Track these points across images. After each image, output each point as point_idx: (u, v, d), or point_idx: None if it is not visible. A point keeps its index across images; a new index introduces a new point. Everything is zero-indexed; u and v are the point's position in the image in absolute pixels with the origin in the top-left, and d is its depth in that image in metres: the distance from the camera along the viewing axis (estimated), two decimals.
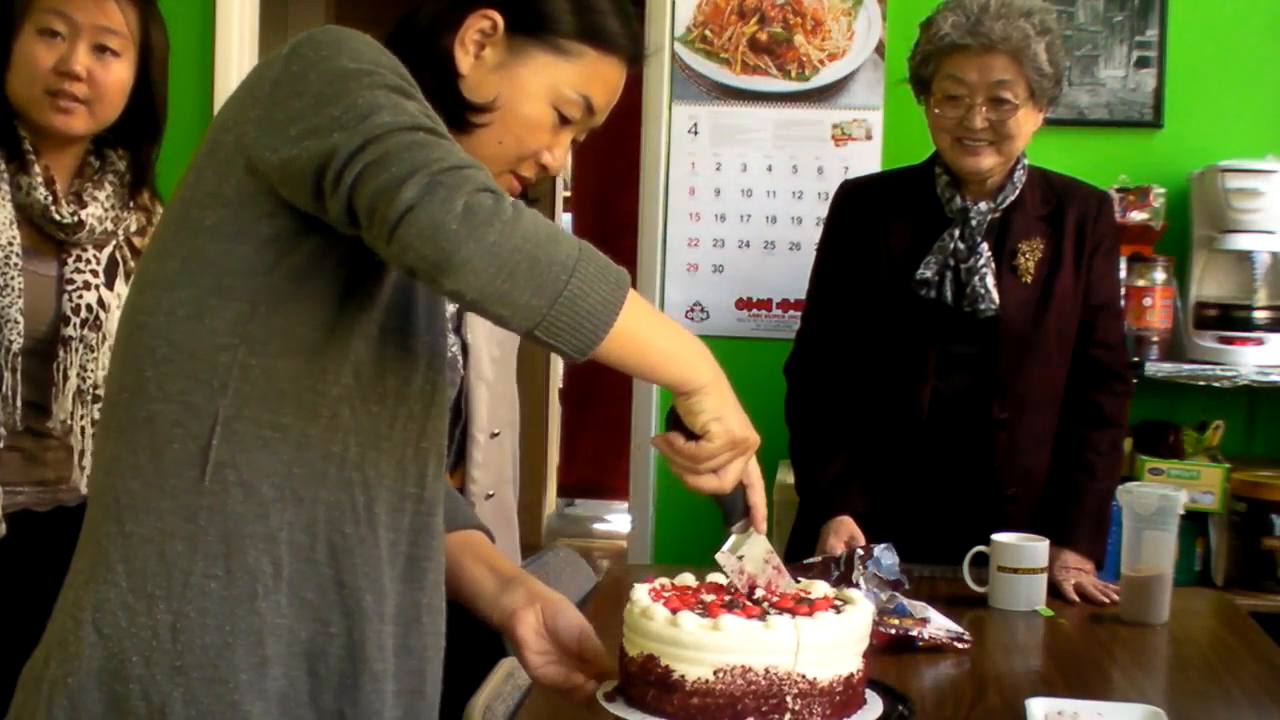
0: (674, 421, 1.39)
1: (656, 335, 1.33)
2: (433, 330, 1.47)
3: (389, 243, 1.24)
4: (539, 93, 1.48)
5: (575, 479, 6.79)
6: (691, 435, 1.37)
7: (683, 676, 1.39)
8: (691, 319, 3.64)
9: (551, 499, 6.64)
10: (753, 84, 3.60)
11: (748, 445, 1.39)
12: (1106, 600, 2.33)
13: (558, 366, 6.55)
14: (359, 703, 1.41)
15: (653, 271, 3.65)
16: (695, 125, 3.62)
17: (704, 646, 1.39)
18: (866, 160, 3.53)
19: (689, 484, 1.40)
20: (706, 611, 1.43)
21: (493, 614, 1.58)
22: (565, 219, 6.65)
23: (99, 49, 2.09)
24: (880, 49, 3.56)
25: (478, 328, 2.24)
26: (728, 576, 1.49)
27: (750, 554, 1.49)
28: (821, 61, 3.58)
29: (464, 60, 1.48)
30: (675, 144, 3.63)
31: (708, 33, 3.60)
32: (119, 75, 2.12)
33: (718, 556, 1.49)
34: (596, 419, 6.52)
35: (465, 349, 2.24)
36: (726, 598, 1.50)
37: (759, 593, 1.49)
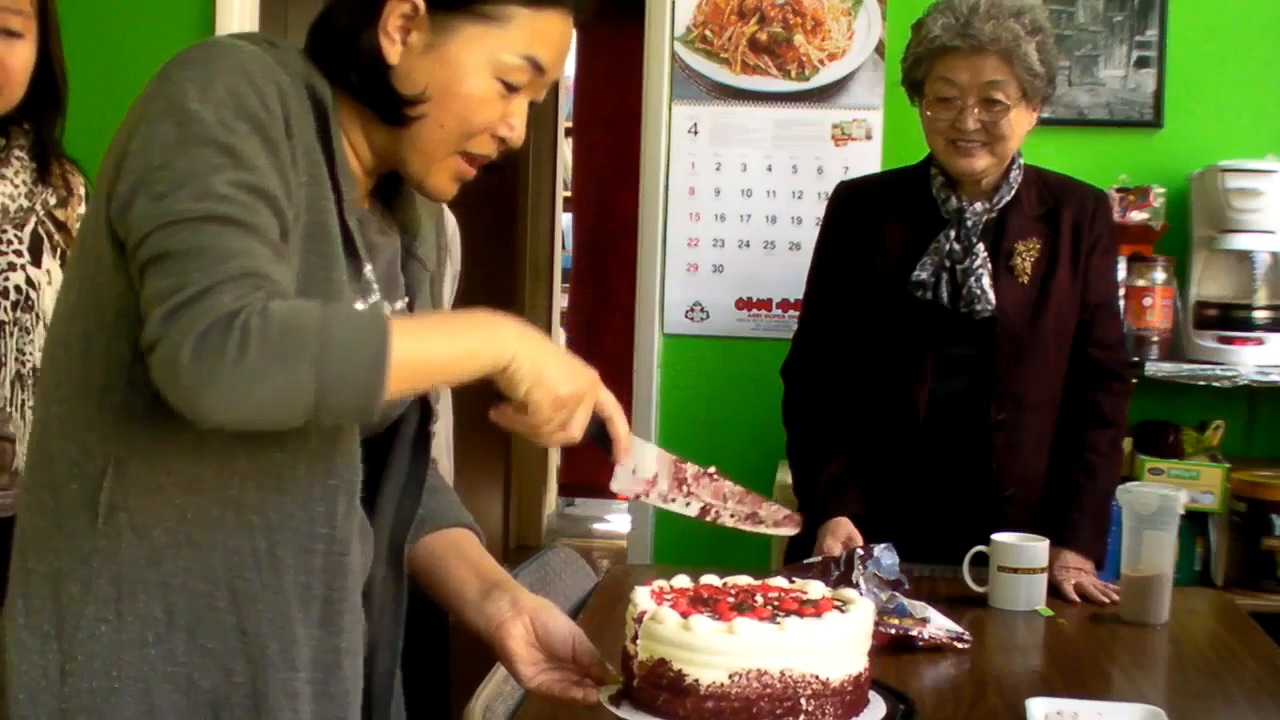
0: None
1: (438, 349, 1.28)
2: None
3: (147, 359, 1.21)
4: (477, 67, 1.38)
5: (575, 479, 6.78)
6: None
7: (696, 681, 1.38)
8: (691, 319, 3.64)
9: (551, 499, 6.64)
10: (753, 84, 3.60)
11: (579, 395, 1.34)
12: (1106, 600, 2.33)
13: None
14: None
15: (653, 271, 3.65)
16: (695, 125, 3.62)
17: (719, 650, 1.38)
18: (866, 160, 3.53)
19: (541, 445, 1.32)
20: (718, 615, 1.42)
21: (478, 621, 1.54)
22: (565, 219, 6.64)
23: (2, 32, 2.01)
24: (880, 49, 3.55)
25: None
26: (635, 497, 1.47)
27: (641, 464, 1.47)
28: (821, 61, 3.58)
29: (391, 50, 1.38)
30: (675, 144, 3.63)
31: (708, 33, 3.60)
32: (23, 56, 2.04)
33: (613, 486, 1.46)
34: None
35: None
36: (731, 599, 1.49)
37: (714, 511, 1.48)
